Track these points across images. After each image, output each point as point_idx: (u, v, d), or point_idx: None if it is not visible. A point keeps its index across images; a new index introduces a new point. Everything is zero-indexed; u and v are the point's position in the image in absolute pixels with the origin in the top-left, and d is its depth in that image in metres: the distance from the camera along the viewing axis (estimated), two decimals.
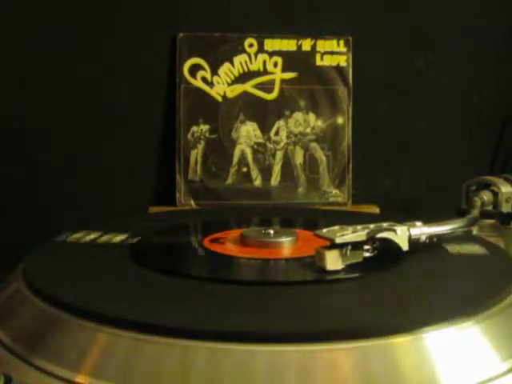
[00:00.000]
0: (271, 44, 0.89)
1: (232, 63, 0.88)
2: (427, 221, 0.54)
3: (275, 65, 0.89)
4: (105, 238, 0.59)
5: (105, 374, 0.37)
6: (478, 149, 0.94)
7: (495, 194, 0.70)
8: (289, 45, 0.89)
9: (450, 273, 0.51)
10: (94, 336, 0.39)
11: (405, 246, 0.51)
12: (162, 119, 0.89)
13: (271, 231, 0.56)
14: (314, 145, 0.90)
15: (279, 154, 0.89)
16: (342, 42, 0.90)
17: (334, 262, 0.48)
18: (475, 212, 0.64)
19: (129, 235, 0.59)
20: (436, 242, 0.54)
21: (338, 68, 0.90)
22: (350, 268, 0.49)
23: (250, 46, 0.89)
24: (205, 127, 0.88)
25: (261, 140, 0.89)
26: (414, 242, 0.52)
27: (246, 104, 0.89)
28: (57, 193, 0.88)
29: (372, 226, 0.50)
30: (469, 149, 0.94)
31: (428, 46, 0.93)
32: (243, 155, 0.89)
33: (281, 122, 0.89)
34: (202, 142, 0.88)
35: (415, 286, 0.47)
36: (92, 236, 0.60)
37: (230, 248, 0.55)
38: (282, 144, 0.89)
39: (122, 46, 0.88)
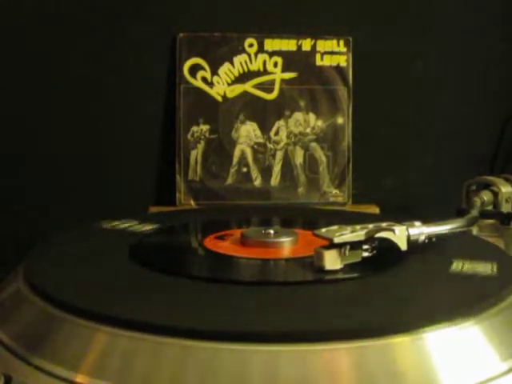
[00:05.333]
0: (271, 44, 0.89)
1: (232, 63, 0.88)
2: (427, 221, 0.54)
3: (275, 65, 0.89)
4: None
5: (104, 373, 0.37)
6: (478, 149, 0.94)
7: (495, 194, 0.71)
8: (289, 45, 0.89)
9: (450, 273, 0.51)
10: (93, 336, 0.39)
11: (403, 246, 0.51)
12: (162, 119, 0.89)
13: (271, 231, 0.56)
14: (313, 145, 0.90)
15: (279, 154, 0.89)
16: (341, 42, 0.90)
17: (332, 261, 0.48)
18: (475, 212, 0.64)
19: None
20: (435, 241, 0.54)
21: (338, 68, 0.90)
22: (348, 268, 0.49)
23: (250, 45, 0.89)
24: (205, 127, 0.88)
25: (261, 140, 0.89)
26: (412, 242, 0.52)
27: (246, 104, 0.89)
28: (57, 193, 0.88)
29: (371, 225, 0.50)
30: (469, 149, 0.94)
31: (428, 46, 0.93)
32: (243, 155, 0.89)
33: (281, 122, 0.89)
34: (202, 142, 0.88)
35: (415, 286, 0.47)
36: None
37: (230, 248, 0.55)
38: (281, 144, 0.89)
39: (122, 46, 0.88)
